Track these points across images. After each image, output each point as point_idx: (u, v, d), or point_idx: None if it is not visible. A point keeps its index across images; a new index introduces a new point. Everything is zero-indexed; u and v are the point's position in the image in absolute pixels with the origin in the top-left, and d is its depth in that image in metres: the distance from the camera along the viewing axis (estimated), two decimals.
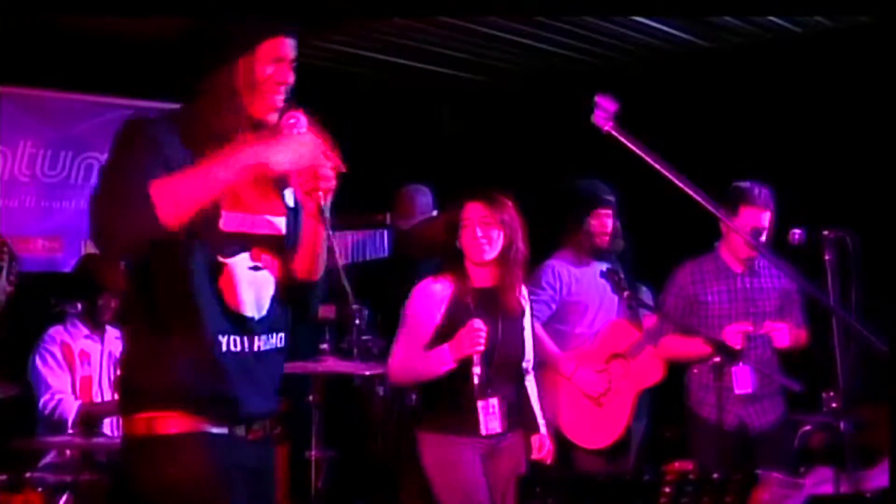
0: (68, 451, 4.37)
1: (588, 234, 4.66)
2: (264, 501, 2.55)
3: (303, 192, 2.37)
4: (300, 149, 2.32)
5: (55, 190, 5.97)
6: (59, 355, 4.62)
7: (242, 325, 2.45)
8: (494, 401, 3.68)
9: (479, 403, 3.66)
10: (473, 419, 3.66)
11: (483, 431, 3.67)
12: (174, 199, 2.22)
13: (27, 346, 4.86)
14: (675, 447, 4.79)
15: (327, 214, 2.39)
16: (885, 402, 3.20)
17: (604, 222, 4.67)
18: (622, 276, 4.55)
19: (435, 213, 5.56)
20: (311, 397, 4.85)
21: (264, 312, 2.49)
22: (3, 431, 4.35)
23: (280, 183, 2.49)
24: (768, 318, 4.34)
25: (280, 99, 2.40)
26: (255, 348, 2.47)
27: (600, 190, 4.72)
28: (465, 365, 3.65)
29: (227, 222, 2.40)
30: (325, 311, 5.15)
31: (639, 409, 4.63)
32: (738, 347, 4.22)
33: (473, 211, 3.77)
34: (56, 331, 4.69)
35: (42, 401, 4.50)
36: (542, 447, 3.88)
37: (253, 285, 2.46)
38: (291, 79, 2.41)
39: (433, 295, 3.75)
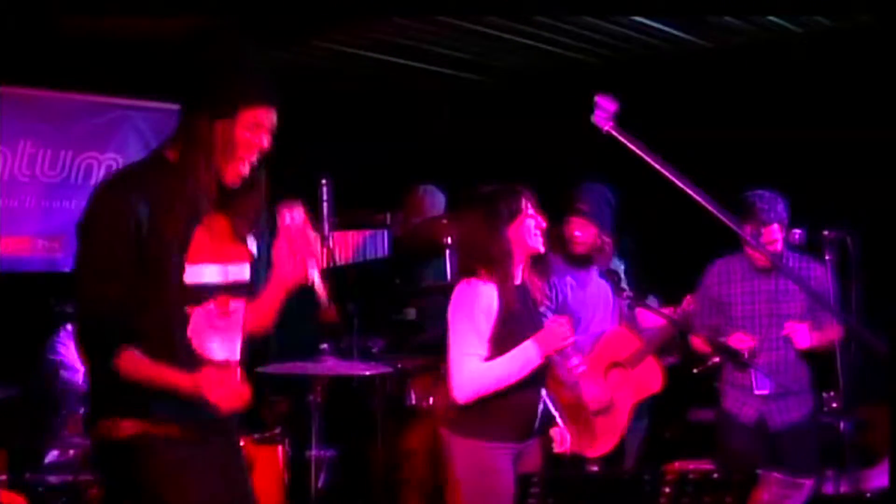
0: (71, 451, 4.37)
1: (562, 241, 4.61)
2: (239, 493, 2.69)
3: (292, 269, 2.59)
4: (233, 394, 2.46)
5: (55, 190, 5.97)
6: (71, 350, 4.67)
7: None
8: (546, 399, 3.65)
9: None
10: (514, 423, 3.57)
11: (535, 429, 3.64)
12: (132, 373, 2.46)
13: (27, 347, 4.86)
14: (675, 447, 4.79)
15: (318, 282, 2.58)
16: (885, 402, 3.20)
17: (571, 231, 4.60)
18: (622, 276, 4.54)
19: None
20: (311, 397, 4.84)
21: (236, 356, 2.65)
22: (3, 432, 4.36)
23: (240, 233, 2.64)
24: (791, 319, 4.32)
25: (249, 165, 2.54)
26: None
27: (575, 197, 4.62)
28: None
29: (191, 275, 2.53)
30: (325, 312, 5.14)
31: (639, 409, 4.61)
32: (744, 357, 4.23)
33: (531, 203, 3.67)
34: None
35: (65, 375, 4.58)
36: (564, 440, 3.78)
37: (220, 332, 2.61)
38: (267, 144, 2.55)
39: (486, 298, 3.55)
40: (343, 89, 6.59)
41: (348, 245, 6.49)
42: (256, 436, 4.43)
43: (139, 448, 2.50)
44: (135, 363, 2.46)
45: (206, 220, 2.55)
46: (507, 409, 3.55)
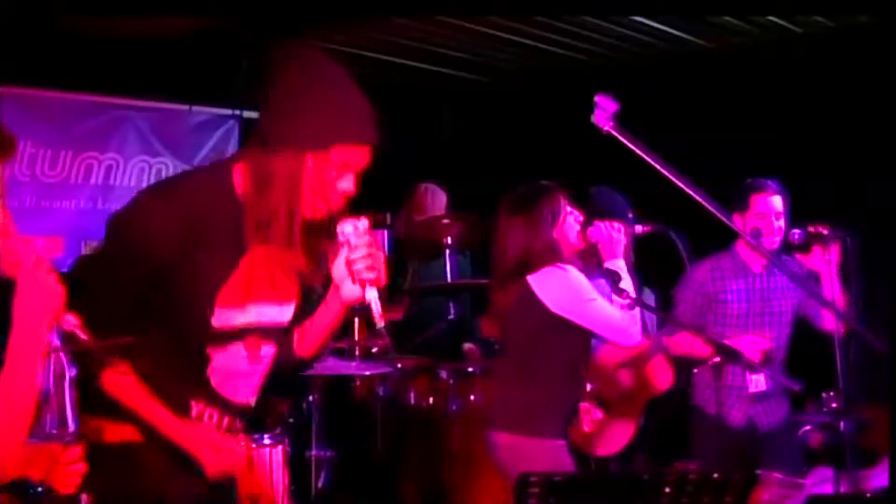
0: None
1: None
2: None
3: (356, 277, 2.25)
4: (230, 459, 2.31)
5: (55, 190, 5.98)
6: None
7: (225, 405, 2.38)
8: None
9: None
10: (569, 419, 3.65)
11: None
12: (115, 396, 2.23)
13: None
14: (675, 447, 4.78)
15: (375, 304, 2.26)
16: (885, 402, 3.20)
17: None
18: (621, 275, 4.52)
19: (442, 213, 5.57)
20: (311, 397, 4.84)
21: (253, 399, 2.43)
22: None
23: (310, 264, 2.35)
24: (783, 317, 4.31)
25: (333, 208, 2.26)
26: (232, 429, 2.43)
27: (619, 205, 4.61)
28: (578, 366, 3.63)
29: (221, 318, 2.26)
30: None
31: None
32: (756, 361, 4.18)
33: (566, 199, 3.70)
34: None
35: None
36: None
37: (244, 375, 2.38)
38: (353, 189, 2.27)
39: (577, 274, 3.63)
40: None
41: None
42: (257, 436, 4.43)
43: (127, 455, 2.30)
44: (121, 389, 2.23)
45: (259, 253, 2.25)
46: (566, 406, 3.64)
